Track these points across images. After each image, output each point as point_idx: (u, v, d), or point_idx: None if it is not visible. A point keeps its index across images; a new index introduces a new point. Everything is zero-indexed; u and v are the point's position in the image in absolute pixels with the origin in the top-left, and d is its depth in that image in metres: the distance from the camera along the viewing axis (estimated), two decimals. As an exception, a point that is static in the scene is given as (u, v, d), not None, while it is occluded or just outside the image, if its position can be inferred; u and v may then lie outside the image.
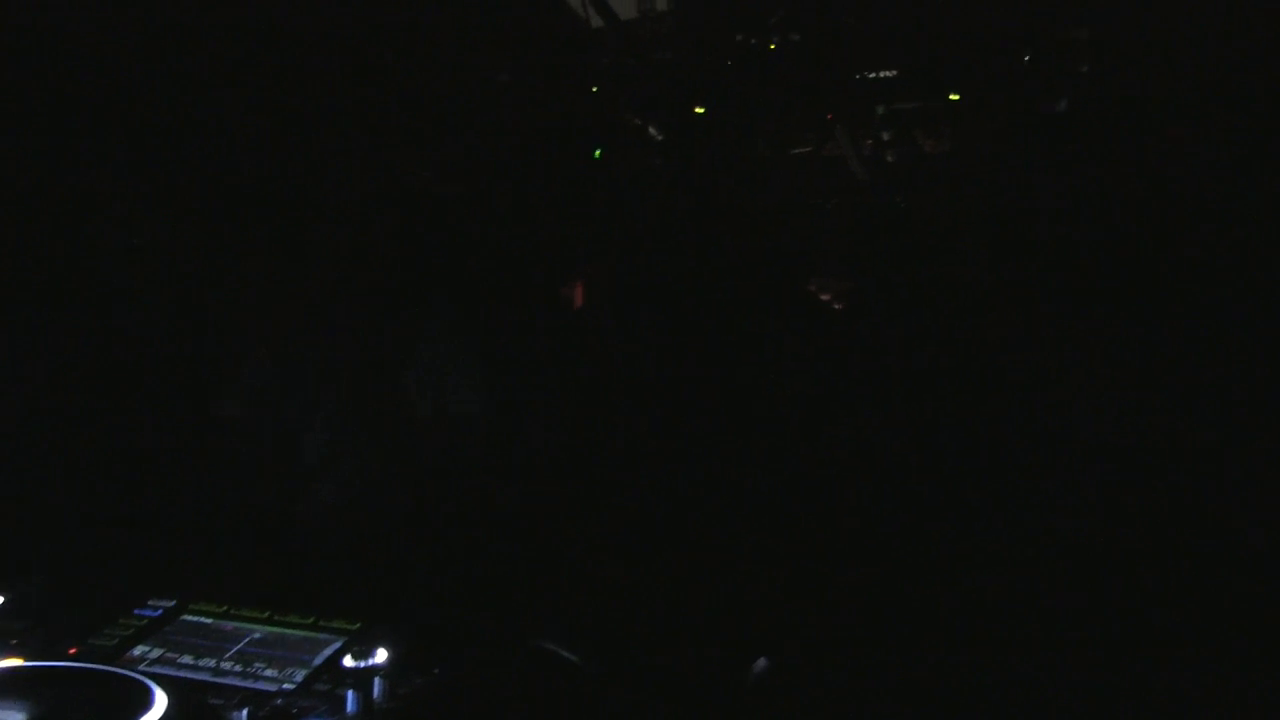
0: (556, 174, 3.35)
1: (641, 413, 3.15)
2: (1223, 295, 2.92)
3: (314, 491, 3.00)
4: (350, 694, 1.97)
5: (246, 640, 2.19)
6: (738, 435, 3.12)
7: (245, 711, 1.94)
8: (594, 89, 3.50)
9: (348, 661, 2.07)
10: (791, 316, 3.33)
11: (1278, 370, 2.85)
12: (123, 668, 2.04)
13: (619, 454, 3.10)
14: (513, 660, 2.21)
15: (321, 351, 3.07)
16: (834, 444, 3.09)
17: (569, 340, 3.29)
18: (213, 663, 2.12)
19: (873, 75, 3.40)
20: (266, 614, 2.26)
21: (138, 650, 2.17)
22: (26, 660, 2.07)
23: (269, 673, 2.09)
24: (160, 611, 2.28)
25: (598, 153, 3.41)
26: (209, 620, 2.26)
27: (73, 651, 2.15)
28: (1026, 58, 3.24)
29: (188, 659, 2.14)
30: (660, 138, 3.46)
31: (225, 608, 2.28)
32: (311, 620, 2.24)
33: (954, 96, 3.33)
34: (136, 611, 2.27)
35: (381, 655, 2.06)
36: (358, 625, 2.22)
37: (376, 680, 1.99)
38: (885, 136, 3.38)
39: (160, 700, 1.89)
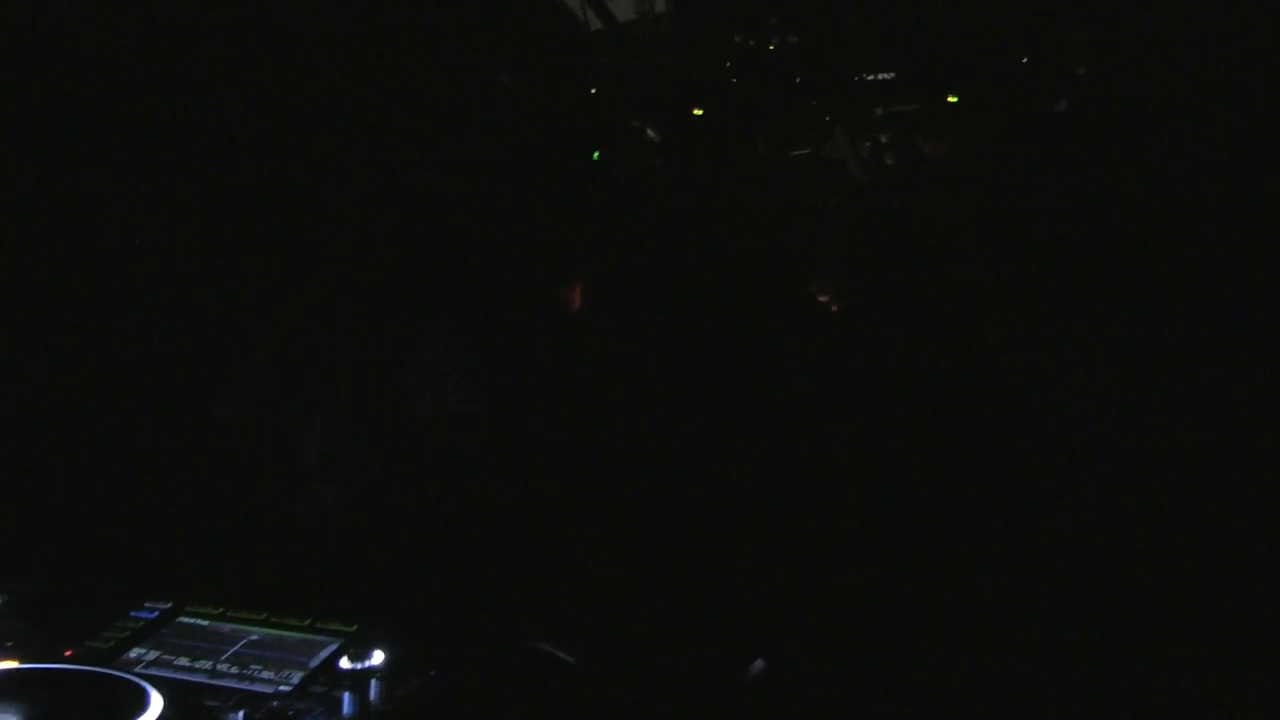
0: (556, 174, 3.35)
1: (641, 413, 3.15)
2: (1223, 295, 2.91)
3: (314, 491, 3.00)
4: (347, 696, 1.97)
5: (243, 642, 2.19)
6: (738, 435, 3.12)
7: (241, 713, 1.95)
8: (593, 90, 3.50)
9: (344, 663, 2.07)
10: (791, 316, 3.33)
11: (1278, 370, 2.84)
12: (119, 670, 2.04)
13: (619, 454, 3.09)
14: (510, 662, 2.22)
15: (321, 351, 3.07)
16: (834, 444, 3.09)
17: (569, 340, 3.29)
18: (209, 665, 2.13)
19: (871, 77, 3.40)
20: (263, 616, 2.26)
21: (134, 652, 2.17)
22: (22, 662, 2.07)
23: (265, 675, 2.10)
24: (157, 613, 2.28)
25: (596, 154, 3.41)
26: (205, 622, 2.26)
27: (69, 653, 2.15)
28: (1026, 58, 3.24)
29: (184, 661, 2.14)
30: (659, 139, 3.45)
31: (222, 609, 2.29)
32: (308, 622, 2.24)
33: (953, 99, 3.33)
34: (133, 613, 2.28)
35: (378, 657, 2.05)
36: (355, 627, 2.22)
37: (373, 682, 1.99)
38: (884, 138, 3.38)
39: (156, 702, 1.89)
